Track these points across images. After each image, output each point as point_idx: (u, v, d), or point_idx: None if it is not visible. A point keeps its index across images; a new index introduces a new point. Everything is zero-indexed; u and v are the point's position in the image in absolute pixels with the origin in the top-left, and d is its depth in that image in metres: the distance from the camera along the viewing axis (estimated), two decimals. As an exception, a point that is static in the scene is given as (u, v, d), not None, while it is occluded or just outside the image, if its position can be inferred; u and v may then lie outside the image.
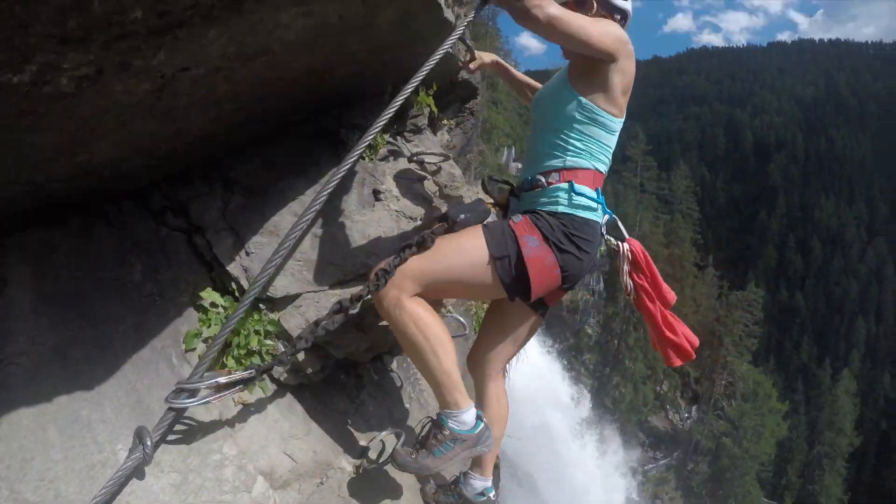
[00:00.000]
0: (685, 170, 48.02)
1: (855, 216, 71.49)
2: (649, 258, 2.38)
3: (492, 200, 2.56)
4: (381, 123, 2.03)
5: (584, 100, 2.18)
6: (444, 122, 4.39)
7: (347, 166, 1.96)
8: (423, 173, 3.11)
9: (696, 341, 2.40)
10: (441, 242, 2.08)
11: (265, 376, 2.29)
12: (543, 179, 2.21)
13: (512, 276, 2.05)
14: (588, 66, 2.19)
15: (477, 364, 2.50)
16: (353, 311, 2.09)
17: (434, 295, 2.15)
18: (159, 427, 1.72)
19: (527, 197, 2.29)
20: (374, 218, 2.66)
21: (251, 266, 2.39)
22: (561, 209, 2.14)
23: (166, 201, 2.54)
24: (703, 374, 41.64)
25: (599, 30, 2.08)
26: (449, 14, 2.62)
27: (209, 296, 2.36)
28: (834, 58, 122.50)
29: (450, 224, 2.17)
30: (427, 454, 2.12)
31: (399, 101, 2.06)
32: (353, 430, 2.69)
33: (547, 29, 2.01)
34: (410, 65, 2.65)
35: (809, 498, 47.49)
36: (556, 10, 2.01)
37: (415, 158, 3.14)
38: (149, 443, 1.64)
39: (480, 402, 2.48)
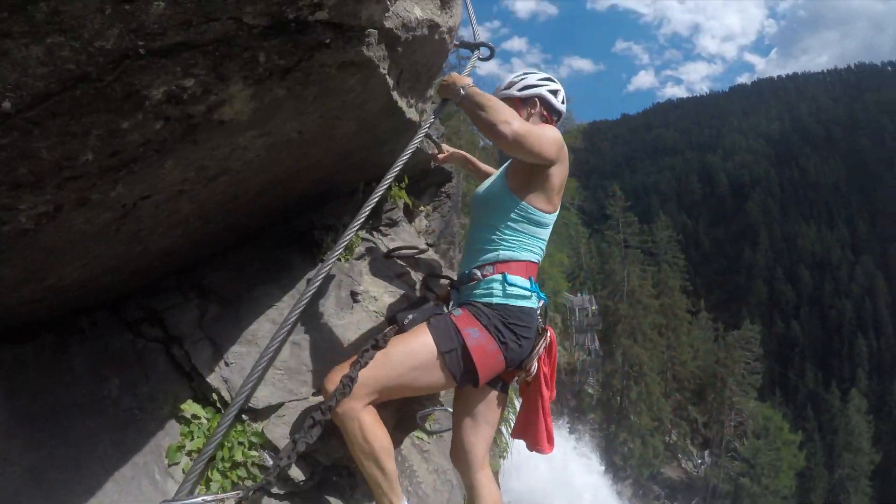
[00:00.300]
0: (666, 220, 48.74)
1: (838, 238, 72.31)
2: (556, 349, 2.47)
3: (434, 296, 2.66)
4: (353, 230, 2.05)
5: (521, 202, 2.30)
6: (422, 208, 4.48)
7: (323, 275, 1.96)
8: (402, 267, 3.12)
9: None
10: (389, 348, 2.14)
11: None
12: (479, 273, 2.29)
13: (461, 368, 2.13)
14: (529, 171, 2.30)
15: (459, 457, 2.50)
16: (327, 419, 2.08)
17: (387, 398, 2.19)
18: None
19: (465, 289, 2.36)
20: (353, 321, 2.65)
21: (231, 377, 2.37)
22: (496, 300, 2.22)
23: (141, 311, 2.54)
24: (711, 417, 40.79)
25: (548, 140, 2.22)
26: (412, 114, 2.64)
27: (190, 408, 2.34)
28: (793, 91, 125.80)
29: (399, 326, 2.25)
30: None
31: (368, 207, 2.09)
32: None
33: (512, 146, 2.15)
34: (381, 162, 2.74)
35: None
36: (521, 127, 2.14)
37: (392, 255, 3.15)
38: None
39: (470, 494, 2.51)
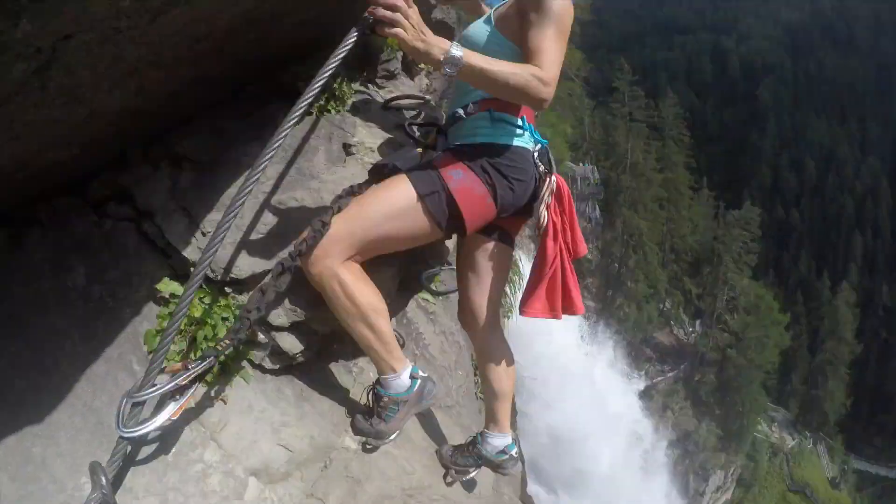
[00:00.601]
0: (674, 98, 47.13)
1: (847, 135, 71.08)
2: (573, 203, 2.23)
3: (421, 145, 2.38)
4: (334, 64, 1.69)
5: (514, 46, 1.97)
6: (422, 66, 4.06)
7: (297, 116, 1.64)
8: (402, 117, 2.81)
9: (581, 309, 2.28)
10: (364, 198, 1.94)
11: (245, 364, 2.09)
12: (462, 112, 2.06)
13: (445, 213, 1.93)
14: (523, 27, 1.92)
15: (467, 318, 2.33)
16: (296, 264, 1.88)
17: (369, 254, 1.98)
18: (114, 459, 1.52)
19: (451, 133, 2.18)
20: (346, 175, 2.34)
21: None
22: (480, 139, 2.02)
23: (106, 189, 2.22)
24: (705, 290, 41.76)
25: (565, 42, 1.89)
26: None
27: (167, 287, 2.06)
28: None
29: (381, 173, 2.04)
30: (379, 421, 2.17)
31: (350, 41, 1.68)
32: (355, 403, 2.41)
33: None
34: None
35: (814, 402, 48.59)
36: (554, 74, 1.81)
37: (390, 105, 2.84)
38: (104, 481, 1.43)
39: (480, 356, 2.39)
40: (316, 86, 1.64)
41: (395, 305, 2.80)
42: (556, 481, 26.02)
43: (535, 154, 2.12)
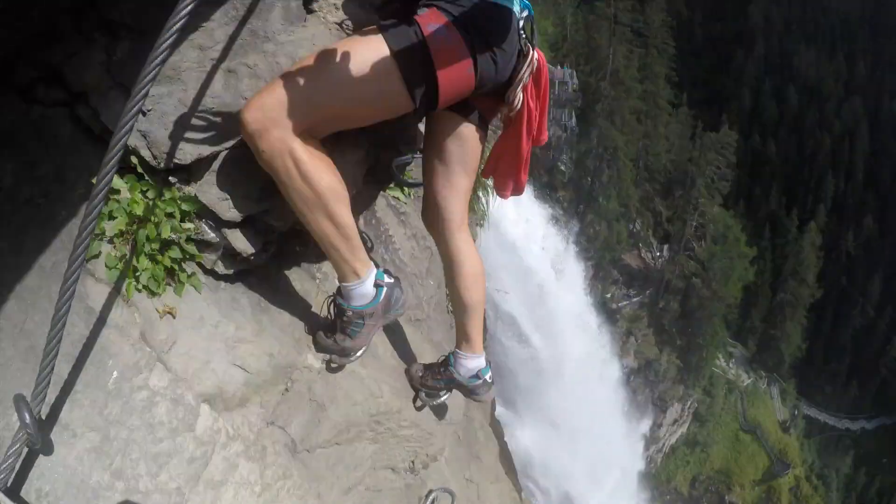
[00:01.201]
0: (661, 2, 44.89)
1: (834, 70, 69.41)
2: (548, 81, 2.06)
3: None
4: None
5: None
6: None
7: None
8: None
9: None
10: (325, 52, 1.66)
11: (195, 270, 1.91)
12: None
13: (420, 77, 1.68)
14: None
15: (433, 217, 2.16)
16: None
17: (328, 128, 1.76)
18: (39, 391, 1.34)
19: None
20: (305, 36, 2.01)
21: (151, 128, 1.78)
22: None
23: (34, 70, 1.90)
24: (676, 213, 42.24)
25: None
26: None
27: None
28: None
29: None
30: (344, 336, 2.04)
31: None
32: (317, 314, 2.25)
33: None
34: None
35: (771, 342, 49.04)
36: None
37: None
38: (27, 418, 1.27)
39: (447, 263, 2.21)
40: None
41: (362, 200, 2.63)
42: (519, 402, 26.80)
43: (521, 22, 1.89)
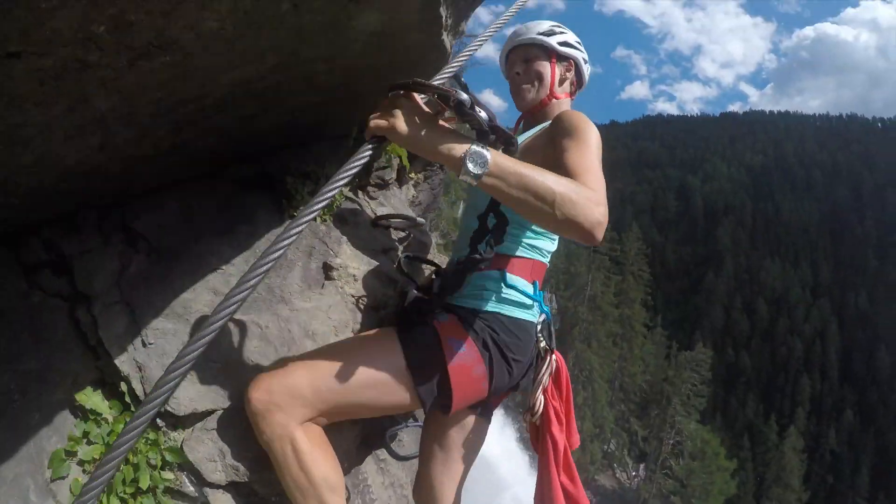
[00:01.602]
0: (637, 231, 48.77)
1: (800, 278, 74.34)
2: (569, 382, 1.93)
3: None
4: (341, 182, 1.23)
5: None
6: (412, 175, 3.76)
7: (292, 238, 1.20)
8: (391, 240, 2.52)
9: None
10: (342, 351, 1.67)
11: None
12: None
13: (433, 392, 1.66)
14: (551, 163, 1.57)
15: (426, 498, 2.00)
16: None
17: (333, 419, 1.68)
18: None
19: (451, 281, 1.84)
20: (321, 305, 2.03)
21: (148, 362, 1.72)
22: (486, 306, 1.74)
23: (46, 254, 1.88)
24: (651, 432, 41.47)
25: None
26: (445, 39, 2.05)
27: (88, 399, 1.70)
28: (782, 128, 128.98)
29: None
30: None
31: (364, 154, 1.26)
32: None
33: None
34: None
35: None
36: (603, 197, 1.40)
37: (381, 222, 2.55)
38: None
39: None
40: (323, 199, 1.22)
41: (350, 460, 2.40)
42: None
43: (539, 327, 1.85)
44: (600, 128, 1.81)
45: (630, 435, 43.45)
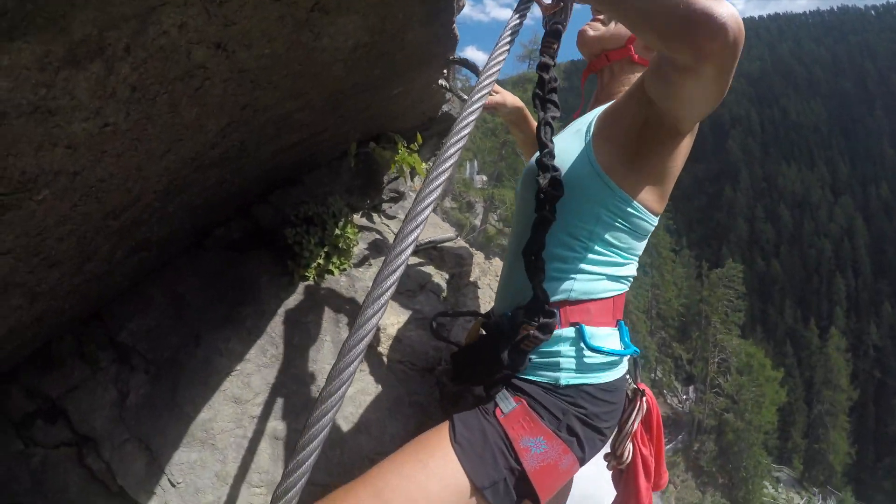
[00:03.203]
0: None
1: (818, 179, 73.61)
2: (661, 422, 1.62)
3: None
4: (394, 275, 0.95)
5: (624, 195, 1.33)
6: (423, 165, 3.21)
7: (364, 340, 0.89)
8: (426, 272, 2.14)
9: None
10: (388, 478, 1.23)
11: None
12: (535, 324, 1.32)
13: (513, 498, 1.28)
14: (643, 138, 1.30)
15: None
16: None
17: None
18: None
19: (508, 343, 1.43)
20: (367, 387, 1.70)
21: None
22: (565, 379, 1.33)
23: (30, 401, 1.55)
24: (695, 354, 42.26)
25: None
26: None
27: None
28: (775, 31, 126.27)
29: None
30: None
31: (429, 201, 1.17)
32: None
33: (724, 53, 1.05)
34: (385, 110, 1.89)
35: (817, 456, 48.53)
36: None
37: (419, 247, 2.21)
38: None
39: None
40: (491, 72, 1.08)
41: None
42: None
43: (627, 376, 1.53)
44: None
45: (675, 360, 44.13)
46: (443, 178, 0.98)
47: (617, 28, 1.61)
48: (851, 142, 78.72)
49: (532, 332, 1.29)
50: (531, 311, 1.30)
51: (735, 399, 39.55)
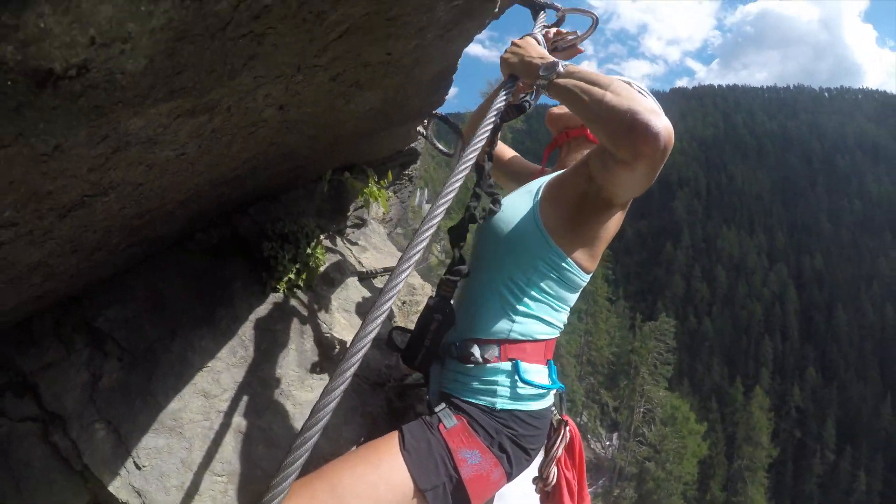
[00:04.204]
0: None
1: (756, 245, 76.27)
2: (582, 449, 1.82)
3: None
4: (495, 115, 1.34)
5: (560, 253, 1.56)
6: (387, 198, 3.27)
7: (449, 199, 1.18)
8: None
9: None
10: (342, 475, 1.39)
11: None
12: (478, 353, 1.58)
13: (449, 500, 1.47)
14: (584, 204, 1.54)
15: None
16: None
17: None
18: None
19: (452, 368, 1.65)
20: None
21: (146, 487, 1.53)
22: (501, 404, 1.55)
23: (3, 373, 1.63)
24: (622, 402, 42.42)
25: None
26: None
27: None
28: (731, 101, 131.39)
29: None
30: None
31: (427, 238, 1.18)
32: None
33: (655, 155, 1.30)
34: (363, 146, 2.10)
35: None
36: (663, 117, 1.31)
37: (370, 275, 2.34)
38: None
39: None
40: (480, 139, 1.34)
41: None
42: None
43: (552, 408, 1.75)
44: (548, 108, 1.91)
45: (601, 406, 44.00)
46: (428, 233, 1.20)
47: None
48: (791, 213, 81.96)
49: (477, 354, 1.57)
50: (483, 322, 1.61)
51: (658, 448, 39.77)
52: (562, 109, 1.93)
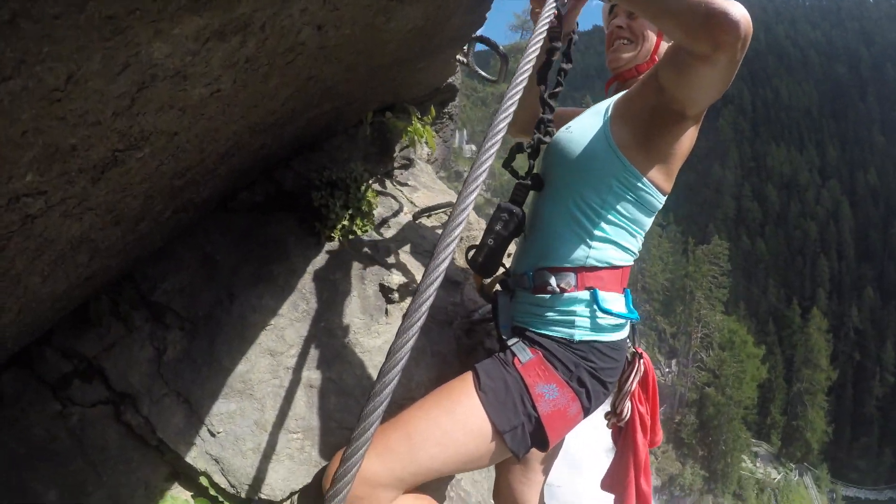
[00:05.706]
0: None
1: (807, 161, 74.25)
2: (656, 384, 1.80)
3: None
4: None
5: (636, 172, 1.49)
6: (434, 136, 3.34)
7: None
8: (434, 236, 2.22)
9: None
10: (418, 424, 1.39)
11: None
12: (554, 282, 1.52)
13: (527, 444, 1.46)
14: (658, 120, 1.47)
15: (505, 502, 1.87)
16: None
17: (423, 481, 1.45)
18: None
19: (525, 300, 1.60)
20: (389, 338, 1.77)
21: (223, 454, 1.52)
22: (579, 335, 1.50)
23: (66, 361, 1.59)
24: (679, 328, 42.80)
25: None
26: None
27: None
28: (772, 12, 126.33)
29: None
30: None
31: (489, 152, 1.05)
32: None
33: (734, 47, 1.25)
34: (405, 81, 1.98)
35: (795, 433, 49.48)
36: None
37: (423, 215, 2.32)
38: None
39: None
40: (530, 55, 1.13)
41: None
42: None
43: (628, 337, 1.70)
44: (582, 34, 1.77)
45: (658, 333, 44.41)
46: (486, 164, 1.05)
47: (645, 46, 1.74)
48: (842, 127, 79.31)
49: (553, 283, 1.55)
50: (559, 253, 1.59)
51: (717, 374, 40.12)
52: (628, 51, 1.75)
